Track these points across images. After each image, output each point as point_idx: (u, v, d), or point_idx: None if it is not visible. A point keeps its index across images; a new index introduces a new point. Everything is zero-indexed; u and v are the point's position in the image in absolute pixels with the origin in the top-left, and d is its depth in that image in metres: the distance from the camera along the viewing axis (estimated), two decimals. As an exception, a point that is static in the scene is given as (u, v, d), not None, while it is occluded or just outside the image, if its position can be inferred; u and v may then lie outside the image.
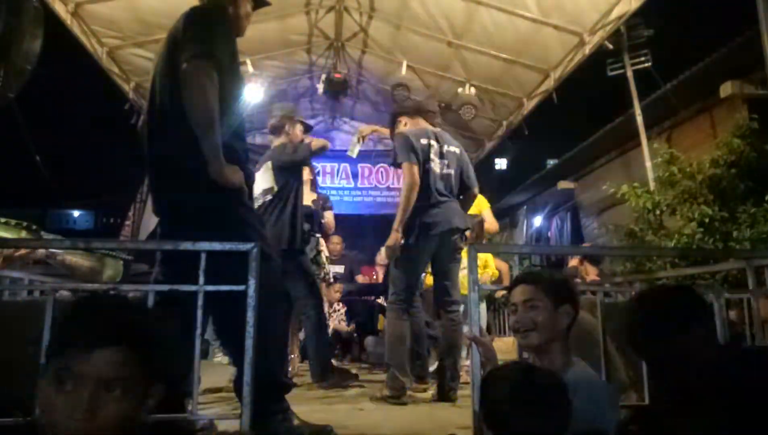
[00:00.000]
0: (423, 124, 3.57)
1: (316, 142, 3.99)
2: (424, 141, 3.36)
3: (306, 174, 4.74)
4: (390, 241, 3.29)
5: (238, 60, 2.21)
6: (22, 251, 3.51)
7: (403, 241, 3.26)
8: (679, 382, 1.37)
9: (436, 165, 3.35)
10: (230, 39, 2.13)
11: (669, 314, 1.39)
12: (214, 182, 1.95)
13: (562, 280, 1.75)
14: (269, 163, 3.79)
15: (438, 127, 3.67)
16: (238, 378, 1.96)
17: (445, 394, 3.22)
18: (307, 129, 4.16)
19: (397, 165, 3.36)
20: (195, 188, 2.00)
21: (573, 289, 1.72)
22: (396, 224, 3.28)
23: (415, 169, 3.26)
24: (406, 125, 3.58)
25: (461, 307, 3.43)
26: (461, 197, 3.52)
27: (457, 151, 3.52)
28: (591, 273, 4.81)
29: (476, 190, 3.62)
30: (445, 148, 3.44)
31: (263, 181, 3.72)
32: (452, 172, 3.42)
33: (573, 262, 5.11)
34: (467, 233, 3.57)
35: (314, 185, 4.91)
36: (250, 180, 2.18)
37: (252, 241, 1.87)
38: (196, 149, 1.94)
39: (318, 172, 5.34)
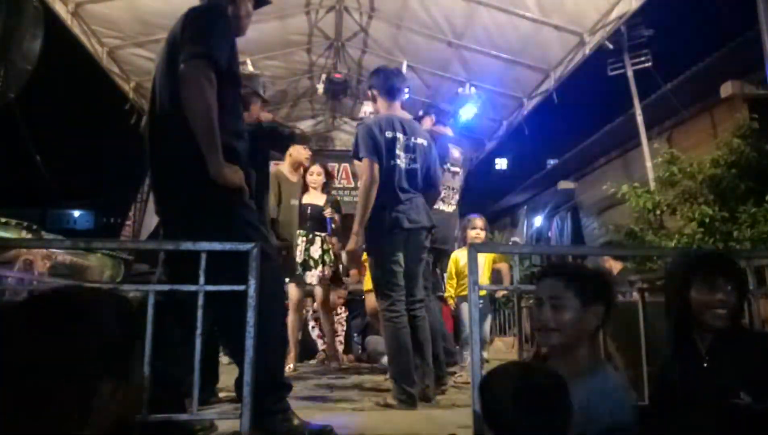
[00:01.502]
0: (395, 108, 3.27)
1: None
2: (389, 133, 3.10)
3: (318, 177, 4.76)
4: (350, 246, 3.09)
5: (237, 60, 2.21)
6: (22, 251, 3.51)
7: (372, 241, 3.07)
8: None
9: (401, 160, 3.11)
10: (229, 38, 2.13)
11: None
12: (214, 182, 1.96)
13: (596, 276, 1.56)
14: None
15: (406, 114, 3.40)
16: (239, 378, 1.96)
17: (420, 392, 2.99)
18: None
19: (358, 158, 3.11)
20: (195, 188, 2.00)
21: (607, 287, 1.55)
22: (356, 226, 3.06)
23: (376, 166, 3.02)
24: (376, 101, 3.31)
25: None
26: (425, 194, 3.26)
27: (425, 143, 3.25)
28: (615, 268, 4.85)
29: (440, 189, 3.37)
30: (412, 140, 3.18)
31: None
32: (418, 166, 3.18)
33: None
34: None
35: (325, 187, 4.90)
36: (250, 179, 2.18)
37: (253, 241, 1.87)
38: (196, 149, 1.95)
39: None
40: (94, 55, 5.42)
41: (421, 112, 4.31)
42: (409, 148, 3.16)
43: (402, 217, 3.05)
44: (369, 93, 3.38)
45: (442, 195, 3.78)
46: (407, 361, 3.03)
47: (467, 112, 6.01)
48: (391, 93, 3.26)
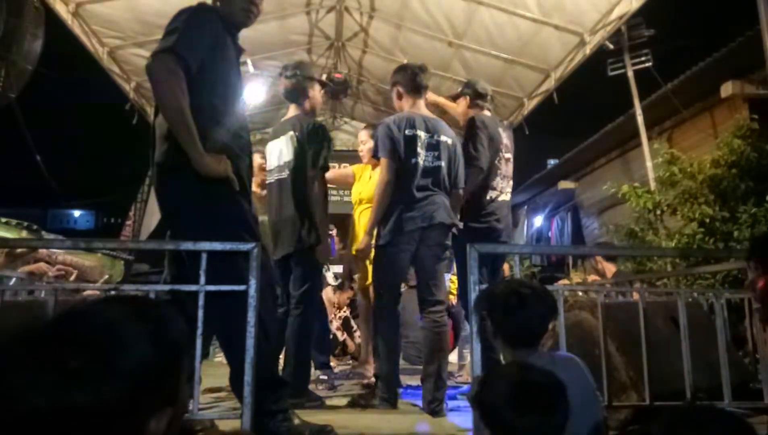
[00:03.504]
0: (419, 106, 3.21)
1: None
2: (409, 132, 3.05)
3: None
4: (360, 245, 3.09)
5: (228, 57, 2.18)
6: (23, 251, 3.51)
7: (380, 242, 3.02)
8: None
9: (421, 158, 3.04)
10: (210, 34, 2.09)
11: None
12: (198, 176, 1.94)
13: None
14: (292, 135, 3.24)
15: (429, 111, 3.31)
16: (234, 377, 1.96)
17: (428, 406, 2.86)
18: (323, 86, 3.67)
19: (378, 157, 3.09)
20: (183, 185, 2.00)
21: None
22: (368, 226, 3.07)
23: (393, 165, 3.00)
24: (401, 98, 3.24)
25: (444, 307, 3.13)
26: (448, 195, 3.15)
27: (450, 141, 3.16)
28: (609, 270, 4.85)
29: (461, 191, 3.23)
30: (435, 138, 3.10)
31: (283, 154, 3.24)
32: (442, 164, 3.09)
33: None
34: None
35: None
36: (242, 173, 2.15)
37: (240, 238, 1.88)
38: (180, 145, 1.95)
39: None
40: (95, 55, 5.41)
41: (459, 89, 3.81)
42: (431, 146, 3.09)
43: (410, 218, 2.98)
44: (395, 90, 3.29)
45: (501, 185, 3.51)
46: (394, 360, 3.03)
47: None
48: (416, 90, 3.21)
